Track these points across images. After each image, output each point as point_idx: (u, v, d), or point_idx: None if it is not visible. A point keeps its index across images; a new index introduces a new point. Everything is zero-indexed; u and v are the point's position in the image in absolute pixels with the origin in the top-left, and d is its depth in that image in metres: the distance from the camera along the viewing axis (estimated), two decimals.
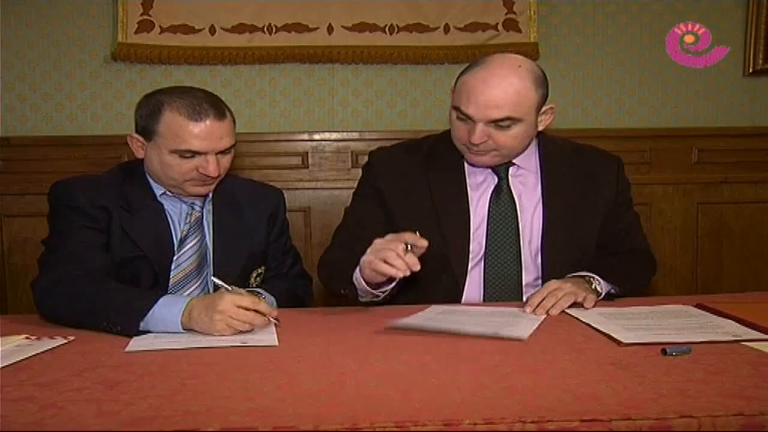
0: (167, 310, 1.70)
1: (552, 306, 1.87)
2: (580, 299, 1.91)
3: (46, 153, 3.30)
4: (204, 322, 1.66)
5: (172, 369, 1.39)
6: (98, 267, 1.94)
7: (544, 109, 2.10)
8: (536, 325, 1.70)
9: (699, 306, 1.90)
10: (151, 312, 1.70)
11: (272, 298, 2.12)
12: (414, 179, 2.19)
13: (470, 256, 2.12)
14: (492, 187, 2.16)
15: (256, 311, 1.71)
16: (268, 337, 1.65)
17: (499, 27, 3.49)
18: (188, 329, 1.69)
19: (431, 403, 1.17)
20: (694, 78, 3.59)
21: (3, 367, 1.41)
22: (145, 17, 3.35)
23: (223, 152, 2.03)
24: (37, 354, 1.51)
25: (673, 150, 3.55)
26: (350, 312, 1.97)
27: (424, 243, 1.77)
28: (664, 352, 1.43)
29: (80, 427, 1.09)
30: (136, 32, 3.34)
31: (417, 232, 1.78)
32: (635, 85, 3.60)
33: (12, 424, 1.11)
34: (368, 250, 1.81)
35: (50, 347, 1.57)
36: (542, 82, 2.05)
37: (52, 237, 2.03)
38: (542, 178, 2.18)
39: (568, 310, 1.87)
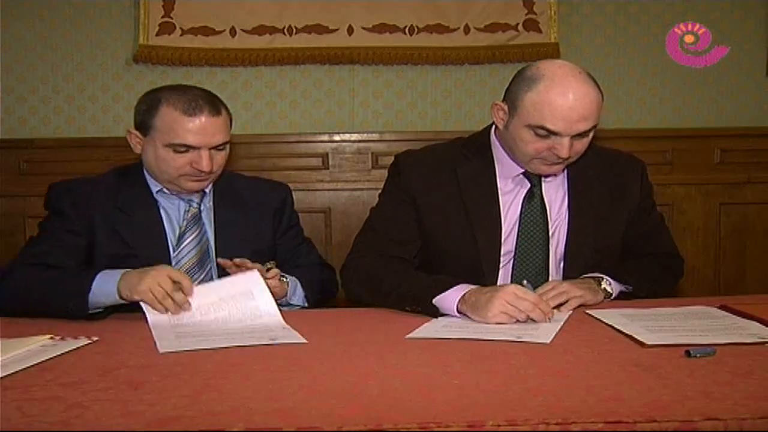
0: (105, 282, 1.85)
1: (561, 305, 1.90)
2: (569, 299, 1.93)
3: (68, 154, 3.33)
4: (136, 281, 1.80)
5: (196, 369, 1.39)
6: (54, 265, 2.02)
7: None
8: (558, 328, 1.70)
9: (723, 307, 1.88)
10: (93, 286, 1.84)
11: (295, 279, 2.15)
12: (444, 183, 2.17)
13: (500, 259, 2.13)
14: (524, 193, 2.15)
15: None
16: (293, 336, 1.67)
17: (520, 27, 3.48)
18: (124, 296, 1.82)
19: (454, 404, 1.17)
20: (717, 78, 3.57)
21: (28, 367, 1.42)
22: (166, 19, 3.38)
23: (217, 148, 2.08)
24: (62, 354, 1.52)
25: (695, 150, 3.53)
26: (372, 312, 1.97)
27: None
28: (688, 353, 1.42)
29: (105, 427, 1.10)
30: (157, 34, 3.38)
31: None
32: (657, 85, 3.58)
33: (38, 423, 1.12)
34: (495, 303, 1.76)
35: (74, 347, 1.58)
36: (596, 81, 2.03)
37: (34, 237, 2.15)
38: (569, 184, 2.18)
39: (590, 311, 1.86)
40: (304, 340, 1.63)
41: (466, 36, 3.47)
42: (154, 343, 1.62)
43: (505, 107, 2.06)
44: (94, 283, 1.84)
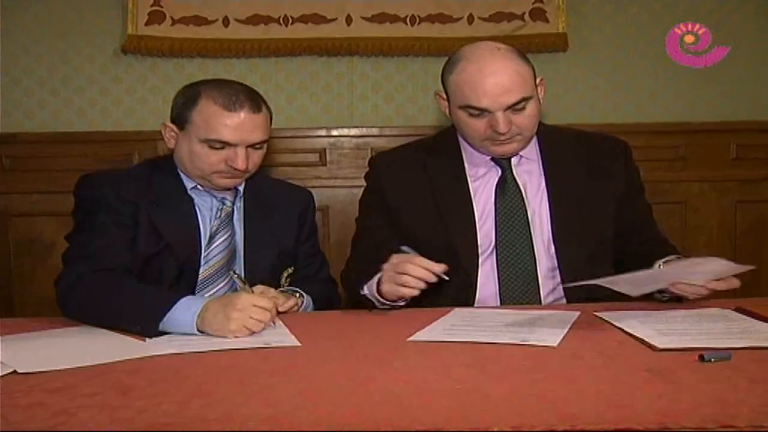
0: (183, 313, 1.73)
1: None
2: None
3: (54, 150, 3.33)
4: (219, 322, 1.68)
5: (187, 373, 1.40)
6: (122, 264, 1.99)
7: (537, 81, 2.17)
8: (566, 330, 1.70)
9: (739, 310, 1.89)
10: (168, 314, 1.73)
11: (309, 298, 2.17)
12: (414, 178, 2.27)
13: (480, 249, 2.17)
14: (495, 179, 2.22)
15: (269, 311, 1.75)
16: (287, 339, 1.68)
17: (526, 17, 3.48)
18: (202, 332, 1.71)
19: (457, 410, 1.17)
20: (732, 70, 3.55)
21: (12, 372, 1.41)
22: (156, 8, 3.37)
23: (254, 146, 2.09)
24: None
25: (709, 145, 3.53)
26: (372, 315, 1.98)
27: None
28: (702, 358, 1.42)
29: None
30: (146, 24, 3.37)
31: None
32: (669, 77, 3.57)
33: (22, 431, 1.12)
34: (384, 277, 1.90)
35: None
36: (524, 56, 2.14)
37: (78, 233, 2.08)
38: (544, 167, 2.24)
39: (598, 314, 1.86)
40: (298, 343, 1.64)
41: (470, 26, 3.47)
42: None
43: (444, 95, 2.19)
44: (171, 313, 1.74)
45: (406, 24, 3.45)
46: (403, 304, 1.99)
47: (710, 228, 3.54)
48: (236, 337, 1.67)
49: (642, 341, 1.58)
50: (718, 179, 3.52)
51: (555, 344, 1.58)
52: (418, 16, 3.46)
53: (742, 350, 1.48)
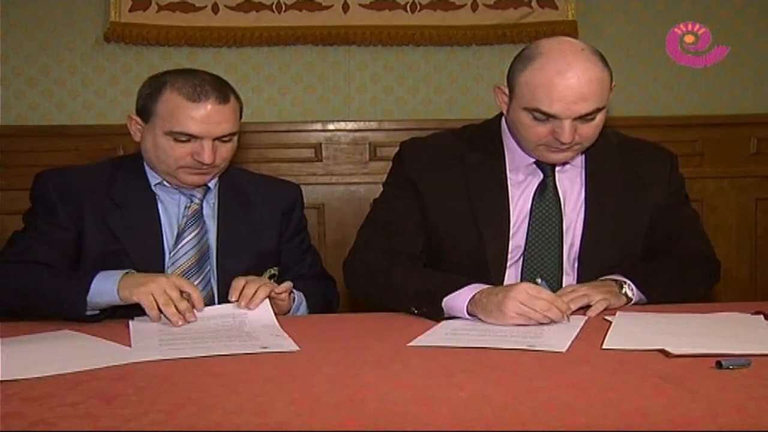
0: (104, 282, 1.88)
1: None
2: (591, 302, 1.94)
3: (32, 144, 3.32)
4: (140, 283, 1.85)
5: (176, 381, 1.40)
6: (42, 261, 2.05)
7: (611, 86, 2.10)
8: (574, 336, 1.70)
9: (759, 313, 1.88)
10: (92, 284, 1.88)
11: (301, 294, 2.18)
12: (450, 173, 2.21)
13: (509, 256, 2.15)
14: (536, 184, 2.18)
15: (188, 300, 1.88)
16: (286, 343, 1.69)
17: (533, 3, 3.48)
18: (122, 297, 1.86)
19: (460, 418, 1.18)
20: (752, 60, 3.56)
21: None
22: None
23: (221, 139, 2.10)
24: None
25: (728, 140, 3.53)
26: (370, 318, 1.99)
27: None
28: (719, 364, 1.42)
29: None
30: (130, 10, 3.36)
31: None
32: (685, 67, 3.54)
33: None
34: (508, 304, 1.79)
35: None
36: (605, 58, 2.05)
37: (19, 232, 2.16)
38: (586, 175, 2.20)
39: (608, 317, 1.87)
40: (296, 348, 1.65)
41: (474, 13, 3.47)
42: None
43: (506, 90, 2.10)
44: (93, 283, 1.88)
45: (407, 11, 3.46)
46: None
47: (729, 227, 3.54)
48: (152, 297, 1.83)
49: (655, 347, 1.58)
50: (737, 175, 3.52)
51: (563, 350, 1.59)
52: (419, 3, 3.46)
53: (762, 357, 1.48)
